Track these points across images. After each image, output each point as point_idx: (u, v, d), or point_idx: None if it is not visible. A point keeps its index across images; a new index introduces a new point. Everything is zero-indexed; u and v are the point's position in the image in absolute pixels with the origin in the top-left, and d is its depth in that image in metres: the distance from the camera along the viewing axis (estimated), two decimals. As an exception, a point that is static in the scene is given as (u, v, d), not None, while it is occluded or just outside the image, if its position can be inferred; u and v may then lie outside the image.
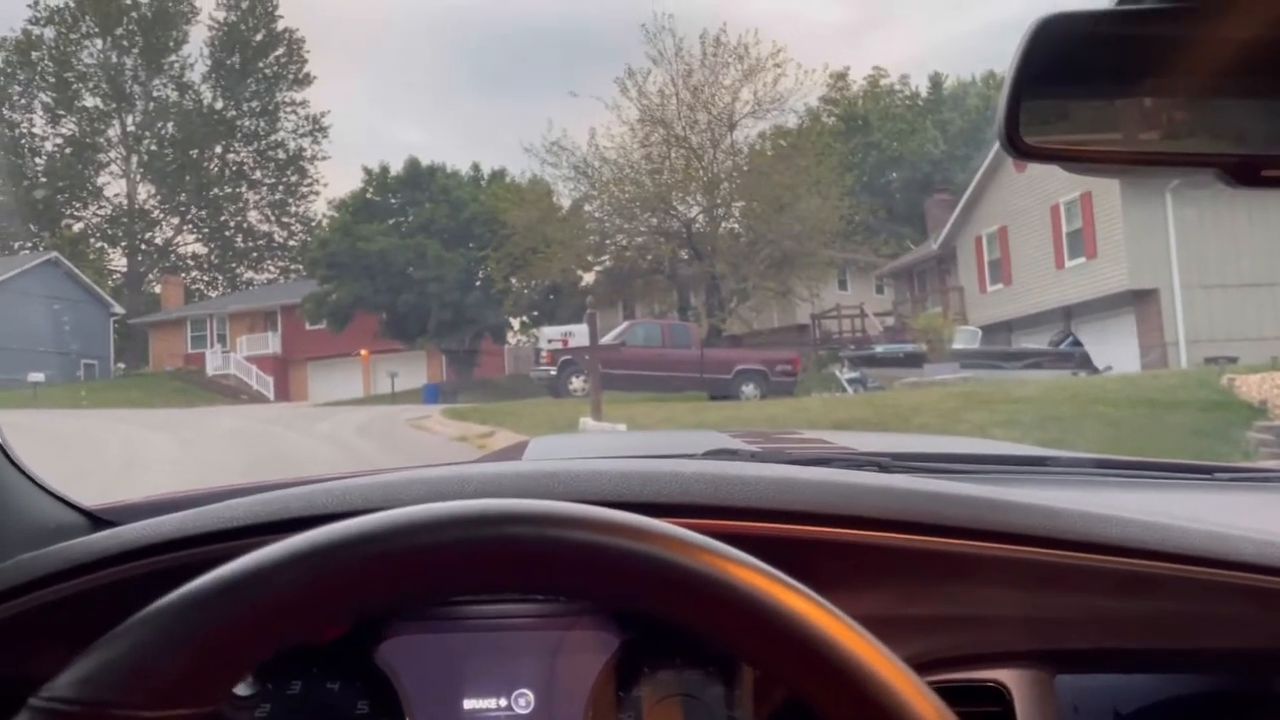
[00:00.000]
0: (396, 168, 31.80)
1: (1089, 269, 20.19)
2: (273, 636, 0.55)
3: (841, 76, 39.92)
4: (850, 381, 19.13)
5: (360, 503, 0.78)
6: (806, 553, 0.77)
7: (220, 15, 45.42)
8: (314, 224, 44.16)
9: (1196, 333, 18.39)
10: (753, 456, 1.41)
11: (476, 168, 32.78)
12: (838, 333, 25.27)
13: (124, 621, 0.55)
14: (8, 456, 0.90)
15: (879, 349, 20.75)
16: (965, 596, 0.81)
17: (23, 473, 0.93)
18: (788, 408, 13.92)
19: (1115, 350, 18.81)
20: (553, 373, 19.34)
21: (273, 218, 47.84)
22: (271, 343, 35.20)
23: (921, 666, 0.57)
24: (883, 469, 1.20)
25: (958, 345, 19.30)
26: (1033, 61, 0.64)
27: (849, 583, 0.76)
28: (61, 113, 44.17)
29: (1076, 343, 19.33)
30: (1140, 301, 19.32)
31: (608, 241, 26.25)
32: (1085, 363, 18.01)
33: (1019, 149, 0.67)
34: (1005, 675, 0.81)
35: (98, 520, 0.98)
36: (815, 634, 0.54)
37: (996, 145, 0.69)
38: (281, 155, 47.20)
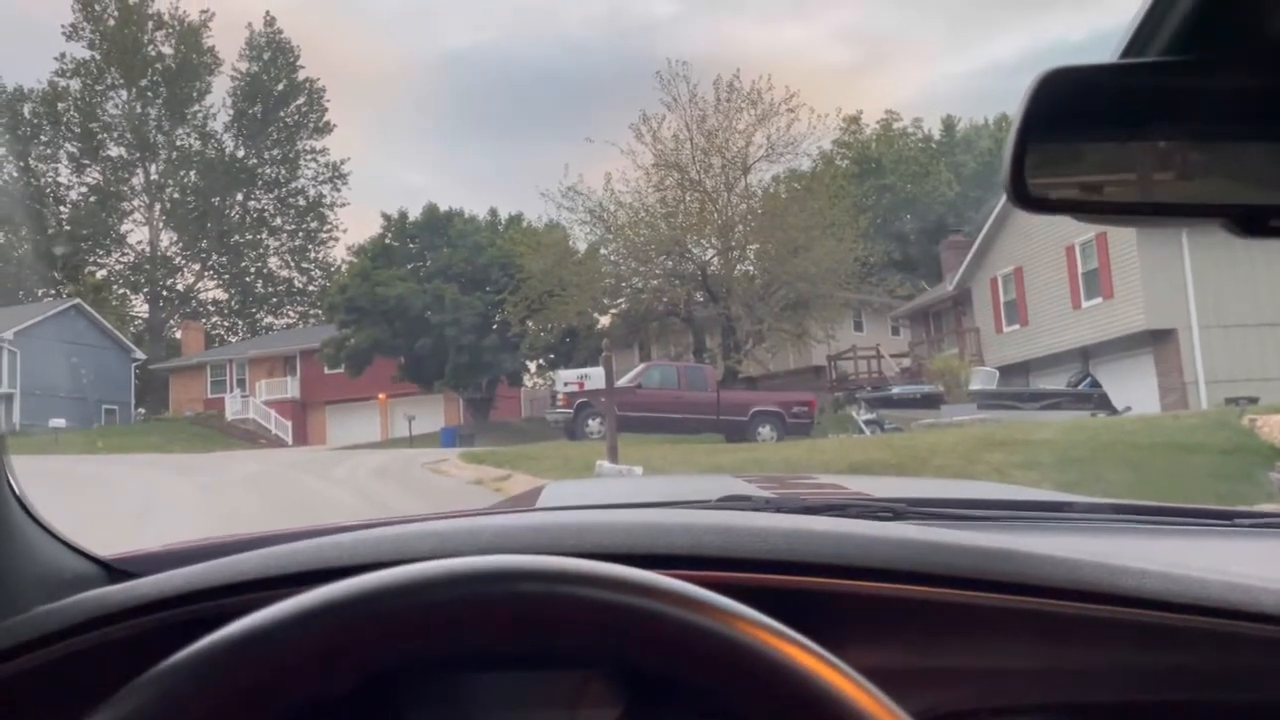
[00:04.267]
0: (415, 213, 32.20)
1: (1106, 309, 20.12)
2: (287, 692, 0.55)
3: (854, 120, 40.27)
4: (867, 423, 19.05)
5: (370, 556, 0.78)
6: (817, 604, 0.77)
7: (243, 66, 46.38)
8: (333, 269, 44.64)
9: (1216, 373, 18.25)
10: (767, 503, 1.40)
11: (494, 213, 33.13)
12: (854, 374, 25.22)
13: (140, 675, 0.55)
14: (24, 507, 0.91)
15: (895, 390, 20.68)
16: (979, 649, 0.80)
17: (39, 523, 0.93)
18: (804, 450, 13.86)
19: (1134, 391, 18.67)
20: (569, 415, 19.34)
21: (292, 263, 48.43)
22: (290, 387, 35.41)
23: None
24: (897, 516, 1.20)
25: (975, 386, 19.21)
26: (1036, 115, 0.65)
27: (860, 634, 0.75)
28: (86, 162, 45.02)
29: (1095, 383, 19.21)
30: (1158, 342, 19.21)
31: (623, 285, 26.36)
32: (1104, 403, 17.88)
33: (1025, 201, 0.67)
34: None
35: (114, 571, 0.99)
36: (823, 691, 0.54)
37: (1009, 189, 0.70)
38: (301, 202, 47.89)
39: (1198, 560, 0.88)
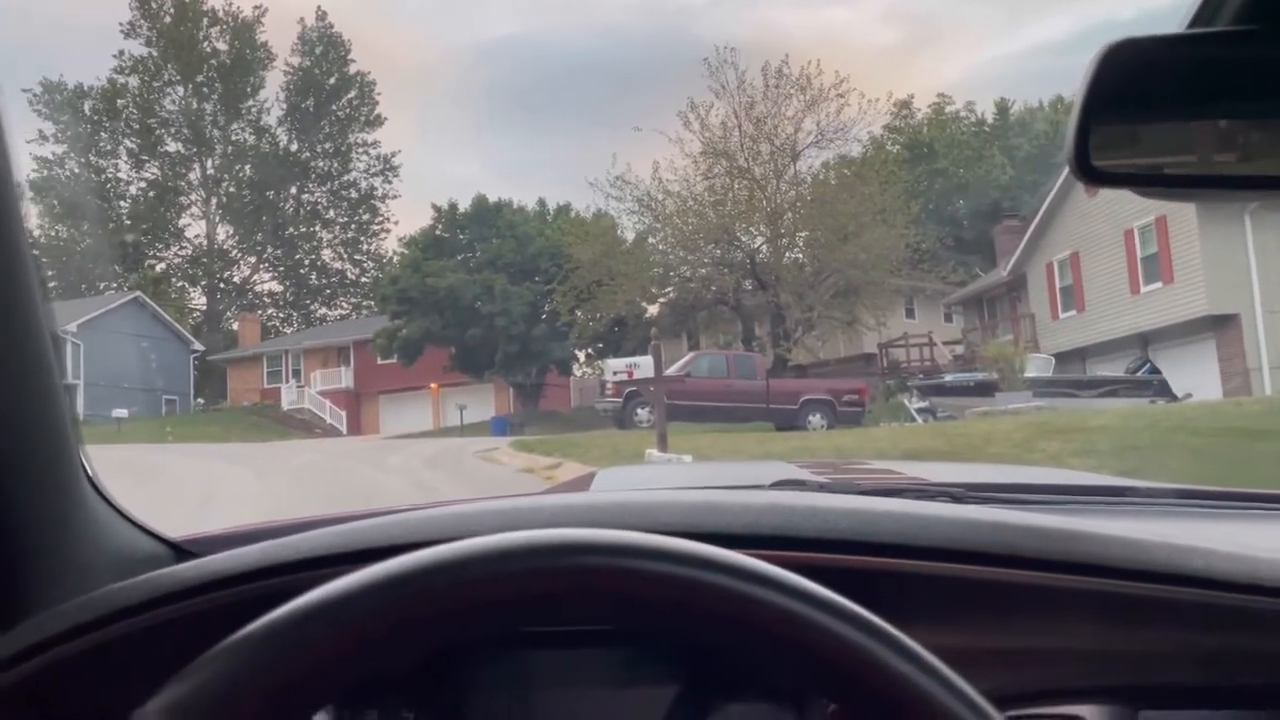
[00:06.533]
0: (464, 204, 32.44)
1: (1166, 294, 19.66)
2: (351, 665, 0.57)
3: (905, 104, 39.75)
4: (919, 411, 18.84)
5: (434, 533, 0.79)
6: (878, 584, 0.77)
7: (295, 60, 46.98)
8: (385, 261, 45.13)
9: (1282, 358, 17.77)
10: (821, 488, 1.40)
11: (542, 203, 33.25)
12: (906, 362, 24.94)
13: (209, 649, 0.56)
14: (97, 489, 0.94)
15: (949, 378, 20.42)
16: (1043, 629, 0.79)
17: (111, 505, 0.96)
18: (855, 438, 13.76)
19: (1195, 377, 18.24)
20: (618, 404, 19.39)
21: (345, 255, 49.04)
22: (344, 377, 35.89)
23: (999, 701, 0.56)
24: (955, 500, 1.19)
25: (1030, 374, 18.89)
26: (1101, 86, 0.64)
27: (922, 615, 0.75)
28: (145, 158, 45.94)
29: (1154, 370, 18.80)
30: (1220, 327, 18.73)
31: (671, 273, 26.34)
32: (1164, 390, 17.49)
33: (1089, 174, 0.67)
34: (1087, 711, 0.79)
35: (181, 551, 1.01)
36: (890, 668, 0.54)
37: (1066, 170, 0.69)
38: (354, 194, 48.45)
39: (1264, 543, 0.87)
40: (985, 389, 18.22)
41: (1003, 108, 42.18)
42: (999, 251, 27.69)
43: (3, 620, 0.78)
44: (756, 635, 0.56)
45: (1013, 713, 0.72)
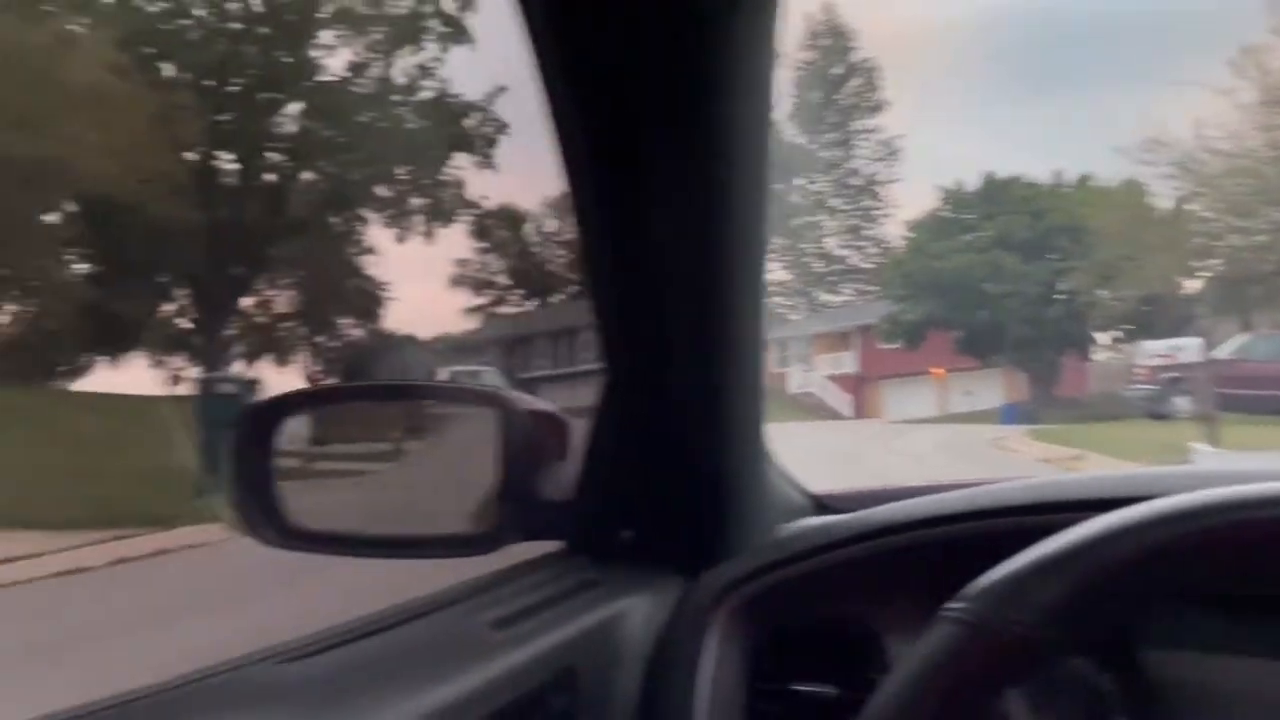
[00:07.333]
0: (970, 182, 31.78)
1: None
2: (1134, 586, 0.57)
3: None
4: None
5: (1084, 494, 0.80)
6: None
7: (804, 56, 48.98)
8: (888, 246, 45.40)
9: None
10: None
11: (1058, 175, 31.42)
12: None
13: (986, 575, 0.60)
14: (767, 453, 1.09)
15: None
16: None
17: (772, 462, 1.11)
18: None
19: None
20: (1153, 392, 17.66)
21: (849, 242, 50.18)
22: (848, 362, 36.85)
23: None
24: None
25: None
26: None
27: None
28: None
29: None
30: None
31: (1217, 243, 23.31)
32: None
33: None
34: None
35: (820, 504, 1.14)
36: None
37: None
38: (856, 182, 49.34)
39: None
40: None
41: None
42: None
43: (727, 544, 0.95)
44: None
45: None
